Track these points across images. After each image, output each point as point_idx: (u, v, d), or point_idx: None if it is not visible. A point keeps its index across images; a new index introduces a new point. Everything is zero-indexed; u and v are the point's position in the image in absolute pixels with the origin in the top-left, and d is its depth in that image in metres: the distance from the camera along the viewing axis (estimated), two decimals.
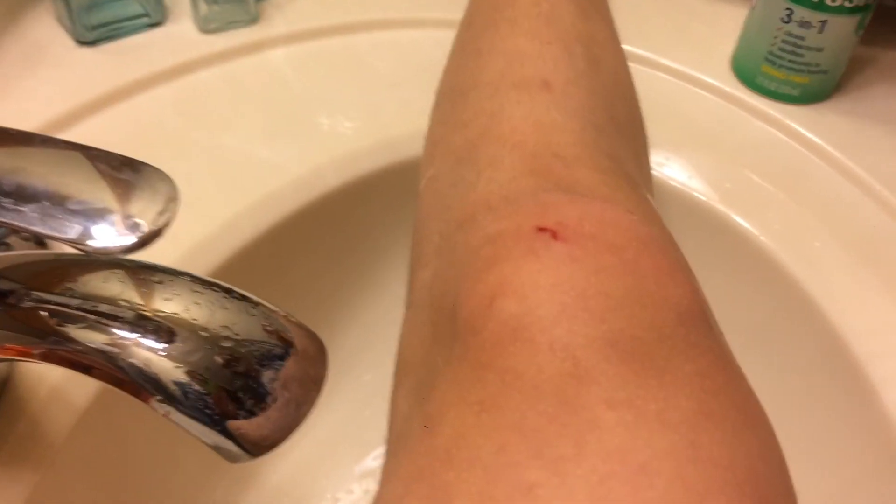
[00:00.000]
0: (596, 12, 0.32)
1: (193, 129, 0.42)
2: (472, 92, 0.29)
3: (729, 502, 0.16)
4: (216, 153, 0.41)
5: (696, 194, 0.42)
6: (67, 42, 0.45)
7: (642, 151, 0.31)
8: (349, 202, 0.43)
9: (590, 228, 0.20)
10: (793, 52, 0.44)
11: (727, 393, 0.18)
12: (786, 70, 0.44)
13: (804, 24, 0.42)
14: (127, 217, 0.18)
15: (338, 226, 0.43)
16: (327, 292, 0.45)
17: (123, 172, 0.19)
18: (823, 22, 0.42)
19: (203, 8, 0.46)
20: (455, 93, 0.31)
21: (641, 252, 0.20)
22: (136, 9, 0.46)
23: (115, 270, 0.23)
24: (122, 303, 0.22)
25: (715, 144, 0.44)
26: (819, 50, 0.43)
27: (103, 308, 0.23)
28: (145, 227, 0.18)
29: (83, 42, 0.45)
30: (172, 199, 0.19)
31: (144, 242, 0.18)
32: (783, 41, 0.44)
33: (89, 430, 0.32)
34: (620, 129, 0.29)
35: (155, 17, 0.47)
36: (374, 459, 0.46)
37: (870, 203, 0.41)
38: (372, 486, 0.46)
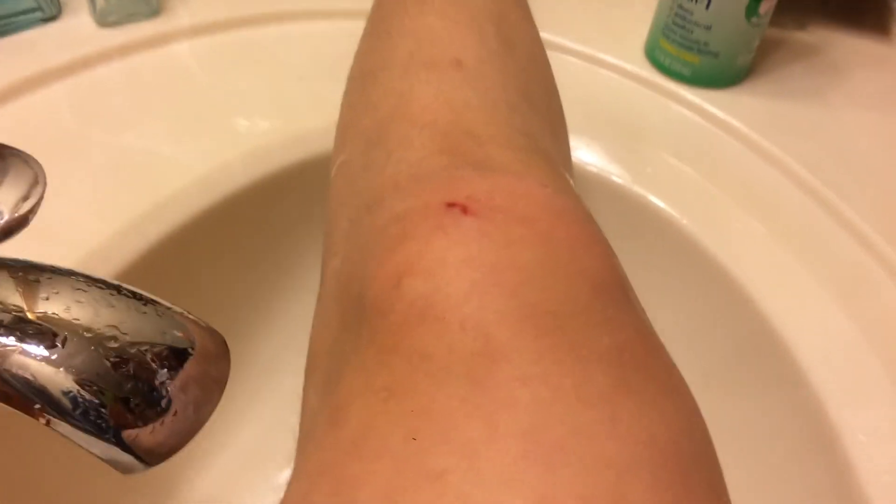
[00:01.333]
0: None
1: (92, 128, 0.40)
2: (381, 73, 0.28)
3: (651, 478, 0.15)
4: (117, 152, 0.39)
5: (614, 178, 0.41)
6: None
7: (560, 130, 0.31)
8: (261, 200, 0.41)
9: (501, 201, 0.19)
10: (683, 27, 0.44)
11: (647, 366, 0.17)
12: (677, 45, 0.44)
13: None
14: None
15: (250, 225, 0.42)
16: (243, 295, 0.44)
17: None
18: None
19: (100, 0, 0.44)
20: (365, 75, 0.30)
21: (555, 223, 0.19)
22: (28, 3, 0.43)
23: None
24: None
25: (633, 129, 0.43)
26: (707, 28, 0.43)
27: None
28: (6, 214, 0.16)
29: None
30: (36, 182, 0.17)
31: (7, 231, 0.16)
32: (676, 14, 0.44)
33: None
34: (535, 107, 0.28)
35: (48, 10, 0.44)
36: None
37: (787, 182, 0.41)
38: None
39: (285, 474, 0.44)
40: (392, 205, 0.21)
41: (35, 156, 0.38)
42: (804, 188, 0.41)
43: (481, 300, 0.17)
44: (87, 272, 0.22)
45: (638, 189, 0.41)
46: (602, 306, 0.18)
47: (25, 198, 0.17)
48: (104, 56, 0.43)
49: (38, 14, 0.44)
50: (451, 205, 0.19)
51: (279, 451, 0.45)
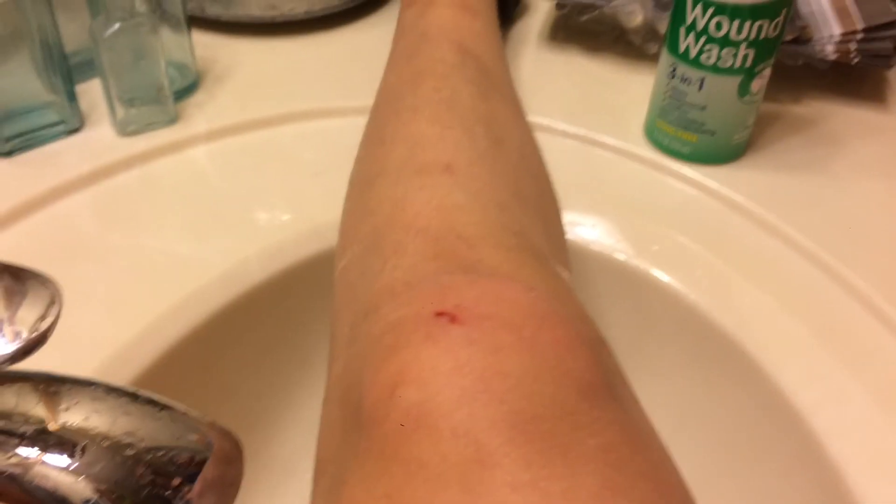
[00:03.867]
0: (496, 93, 0.32)
1: (112, 233, 0.42)
2: (377, 180, 0.29)
3: None
4: (136, 255, 0.41)
5: (619, 255, 0.42)
6: None
7: (552, 222, 0.32)
8: (278, 294, 0.42)
9: (486, 308, 0.20)
10: (678, 108, 0.45)
11: (635, 464, 0.18)
12: (675, 125, 0.46)
13: (685, 80, 0.44)
14: (7, 325, 0.18)
15: (268, 319, 0.43)
16: (263, 389, 0.44)
17: (2, 280, 0.18)
18: (702, 79, 0.43)
19: (120, 111, 0.46)
20: (362, 182, 0.31)
21: (539, 328, 0.20)
22: (51, 117, 0.46)
23: (11, 383, 0.22)
24: (19, 417, 0.21)
25: (636, 207, 0.44)
26: (702, 108, 0.44)
27: (1, 424, 0.21)
28: (25, 333, 0.18)
29: None
30: (52, 302, 0.18)
31: (27, 350, 0.17)
32: (671, 96, 0.45)
33: None
34: (526, 204, 0.29)
35: (71, 123, 0.46)
36: None
37: (791, 254, 0.42)
38: None
39: None
40: (386, 313, 0.22)
41: (58, 263, 0.39)
42: (809, 258, 0.41)
43: (471, 407, 0.18)
44: (105, 381, 0.23)
45: (643, 265, 0.41)
46: (588, 408, 0.18)
47: (43, 317, 0.18)
48: (124, 164, 0.45)
49: (62, 127, 0.46)
50: (440, 314, 0.20)
51: None
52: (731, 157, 0.47)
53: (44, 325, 0.18)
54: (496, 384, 0.18)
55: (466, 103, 0.30)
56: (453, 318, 0.20)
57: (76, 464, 0.21)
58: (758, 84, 0.44)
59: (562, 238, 0.32)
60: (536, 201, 0.30)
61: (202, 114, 0.49)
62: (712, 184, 0.45)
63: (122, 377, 0.35)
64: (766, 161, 0.47)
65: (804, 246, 0.42)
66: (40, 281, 0.18)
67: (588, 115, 0.50)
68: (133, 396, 0.23)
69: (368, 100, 0.50)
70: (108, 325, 0.37)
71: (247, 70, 0.54)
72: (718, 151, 0.46)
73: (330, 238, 0.43)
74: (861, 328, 0.38)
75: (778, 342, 0.38)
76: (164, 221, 0.43)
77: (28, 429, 0.21)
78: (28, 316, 0.18)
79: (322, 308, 0.44)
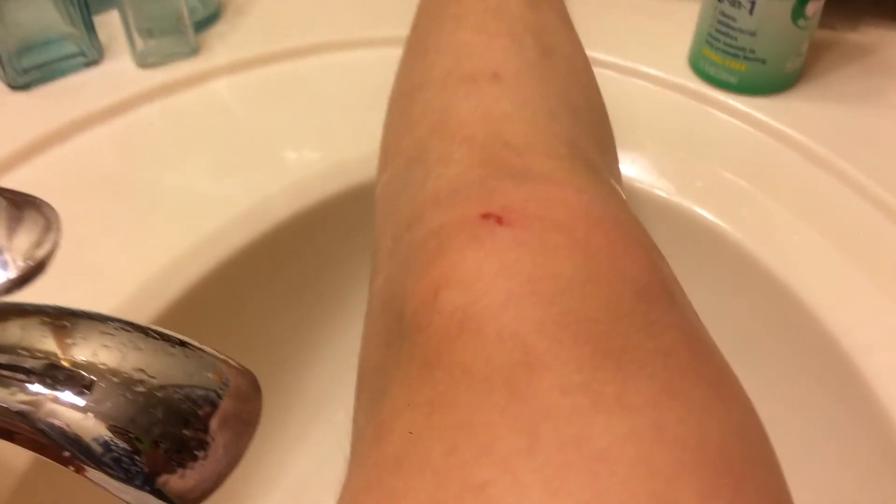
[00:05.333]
0: (545, 2, 0.30)
1: (134, 168, 0.40)
2: (420, 91, 0.28)
3: (699, 482, 0.14)
4: (159, 191, 0.39)
5: (662, 193, 0.40)
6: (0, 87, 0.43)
7: (604, 138, 0.30)
8: (304, 231, 0.41)
9: (536, 209, 0.19)
10: (727, 34, 0.42)
11: (694, 369, 0.17)
12: (722, 53, 0.43)
13: (735, 4, 0.41)
14: (2, 252, 0.16)
15: (294, 257, 0.41)
16: (289, 328, 0.43)
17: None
18: (753, 3, 0.41)
19: (139, 43, 0.44)
20: (404, 95, 0.30)
21: (593, 229, 0.19)
22: (70, 48, 0.44)
23: (16, 317, 0.21)
24: (23, 351, 0.20)
25: (680, 141, 0.42)
26: (752, 34, 0.42)
27: (5, 359, 0.20)
28: (20, 261, 0.16)
29: (16, 87, 0.43)
30: (50, 229, 0.17)
31: (23, 279, 0.16)
32: (719, 21, 0.43)
33: (30, 495, 0.30)
34: (578, 115, 0.27)
35: (91, 55, 0.45)
36: None
37: (845, 189, 0.39)
38: None
39: None
40: (430, 220, 0.21)
41: (77, 198, 0.38)
42: (864, 194, 0.39)
43: (518, 309, 0.17)
44: (116, 315, 0.22)
45: (688, 203, 0.39)
46: (645, 311, 0.17)
47: (40, 244, 0.17)
48: (145, 97, 0.44)
49: (81, 59, 0.45)
50: (485, 216, 0.19)
51: (331, 484, 0.44)
52: (782, 87, 0.44)
53: (40, 253, 0.16)
54: (545, 285, 0.17)
55: (514, 12, 0.29)
56: (500, 220, 0.19)
57: (86, 402, 0.20)
58: (813, 8, 0.41)
59: (614, 153, 0.31)
60: (588, 114, 0.29)
61: (224, 45, 0.47)
62: (761, 115, 0.43)
63: (142, 316, 0.34)
64: (819, 91, 0.44)
65: (859, 182, 0.39)
66: (36, 206, 0.17)
67: (628, 45, 0.47)
68: (144, 331, 0.22)
69: (397, 31, 0.48)
70: (128, 262, 0.36)
71: None
72: (768, 81, 0.43)
73: (358, 173, 0.41)
74: None
75: (829, 284, 0.36)
76: (185, 156, 0.41)
77: (35, 364, 0.20)
78: (22, 243, 0.17)
79: (351, 245, 0.43)
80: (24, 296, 0.21)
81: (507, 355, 0.16)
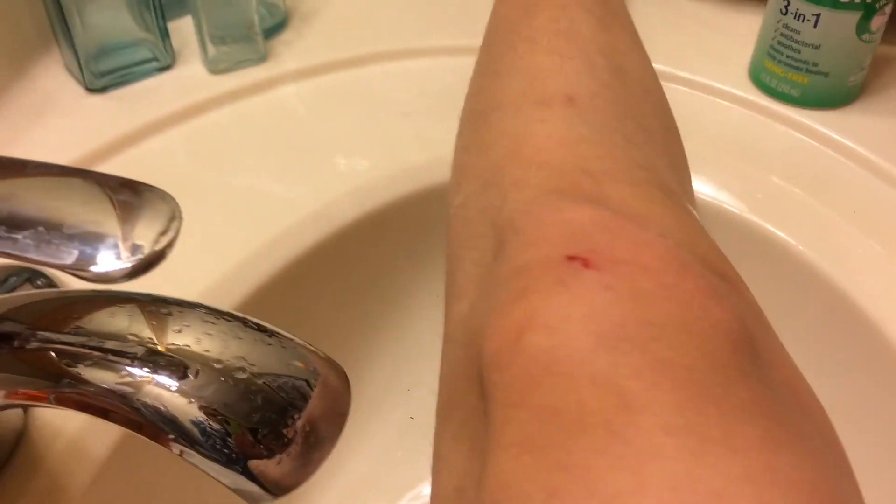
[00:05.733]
0: (616, 22, 0.30)
1: (206, 170, 0.42)
2: (493, 114, 0.28)
3: None
4: (229, 193, 0.40)
5: (726, 206, 0.40)
6: (77, 90, 0.45)
7: (679, 158, 0.30)
8: (368, 234, 0.42)
9: (623, 253, 0.19)
10: (790, 48, 0.43)
11: (794, 419, 0.17)
12: (784, 66, 0.43)
13: (799, 17, 0.41)
14: (127, 240, 0.17)
15: (358, 258, 0.42)
16: (351, 328, 0.44)
17: (122, 194, 0.18)
18: (817, 16, 0.41)
19: (211, 49, 0.45)
20: (477, 116, 0.30)
21: (681, 275, 0.18)
22: (144, 54, 0.46)
23: (122, 304, 0.22)
24: (132, 337, 0.21)
25: (741, 154, 0.42)
26: (816, 47, 0.42)
27: (112, 345, 0.21)
28: (146, 248, 0.17)
29: (93, 89, 0.45)
30: (174, 218, 0.18)
31: (147, 265, 0.17)
32: (781, 34, 0.43)
33: (110, 481, 0.31)
34: (652, 138, 0.27)
35: (164, 60, 0.46)
36: (409, 502, 0.44)
37: None
38: None
39: None
40: (513, 255, 0.21)
41: None
42: None
43: (610, 355, 0.16)
44: (214, 306, 0.23)
45: (751, 216, 0.40)
46: (739, 362, 0.17)
47: (164, 232, 0.17)
48: (216, 101, 0.45)
49: (155, 64, 0.46)
50: (572, 258, 0.19)
51: (385, 486, 0.45)
52: (844, 101, 0.44)
53: (164, 241, 0.17)
54: (637, 332, 0.17)
55: (586, 33, 0.28)
56: (586, 263, 0.18)
57: (187, 386, 0.21)
58: (878, 22, 0.41)
59: (688, 174, 0.31)
60: (662, 136, 0.28)
61: (290, 52, 0.48)
62: (823, 129, 0.43)
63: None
64: (881, 106, 0.44)
65: None
66: (160, 196, 0.18)
67: (689, 57, 0.48)
68: (243, 321, 0.22)
69: (458, 40, 0.49)
70: (203, 259, 0.37)
71: (334, 8, 0.53)
72: (831, 94, 0.43)
73: (421, 179, 0.42)
74: None
75: (891, 296, 0.36)
76: (254, 160, 0.42)
77: (139, 349, 0.21)
78: (148, 231, 0.17)
79: (413, 248, 0.44)
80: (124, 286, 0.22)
81: (602, 399, 0.16)
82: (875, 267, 0.37)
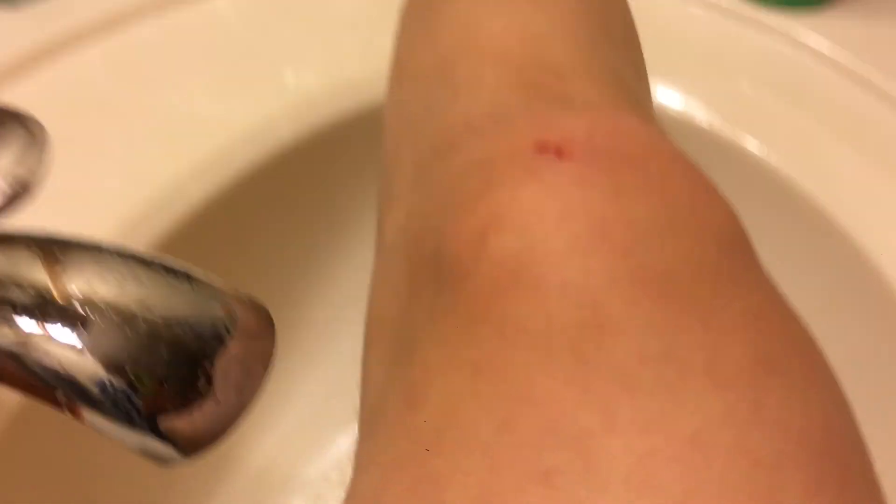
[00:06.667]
0: None
1: (129, 89, 0.38)
2: (443, 4, 0.25)
3: (805, 475, 0.13)
4: (154, 112, 0.37)
5: (693, 117, 0.38)
6: None
7: (641, 68, 0.28)
8: (311, 155, 0.39)
9: (602, 142, 0.16)
10: None
11: (788, 337, 0.15)
12: None
13: None
14: None
15: (301, 182, 0.40)
16: (296, 257, 0.42)
17: None
18: None
19: None
20: (423, 7, 0.27)
21: (669, 169, 0.16)
22: None
23: (5, 245, 0.19)
24: (17, 285, 0.18)
25: (708, 62, 0.40)
26: None
27: None
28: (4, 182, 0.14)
29: (2, 1, 0.41)
30: (33, 145, 0.15)
31: (7, 201, 0.14)
32: None
33: (24, 433, 0.29)
34: (615, 40, 0.25)
35: None
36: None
37: (887, 110, 0.37)
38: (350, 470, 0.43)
39: (343, 440, 0.43)
40: (470, 149, 0.18)
41: (69, 120, 0.36)
42: None
43: (586, 260, 0.14)
44: (115, 244, 0.20)
45: (718, 125, 0.38)
46: (730, 267, 0.15)
47: (20, 161, 0.14)
48: (140, 13, 0.41)
49: None
50: (542, 147, 0.16)
51: (336, 416, 0.43)
52: (820, 1, 0.42)
53: (21, 171, 0.14)
54: (618, 233, 0.15)
55: None
56: (560, 153, 0.16)
57: (81, 339, 0.18)
58: None
59: (648, 87, 0.28)
60: (626, 45, 0.26)
61: None
62: (797, 32, 0.41)
63: (139, 244, 0.32)
64: (860, 7, 0.42)
65: None
66: (20, 121, 0.15)
67: None
68: (146, 262, 0.20)
69: None
70: (123, 187, 0.34)
71: None
72: None
73: (367, 95, 0.39)
74: None
75: (870, 209, 0.34)
76: (183, 76, 0.39)
77: (24, 297, 0.19)
78: (4, 162, 0.14)
79: (362, 170, 0.41)
80: (9, 223, 0.19)
81: (573, 313, 0.14)
82: (852, 176, 0.36)
